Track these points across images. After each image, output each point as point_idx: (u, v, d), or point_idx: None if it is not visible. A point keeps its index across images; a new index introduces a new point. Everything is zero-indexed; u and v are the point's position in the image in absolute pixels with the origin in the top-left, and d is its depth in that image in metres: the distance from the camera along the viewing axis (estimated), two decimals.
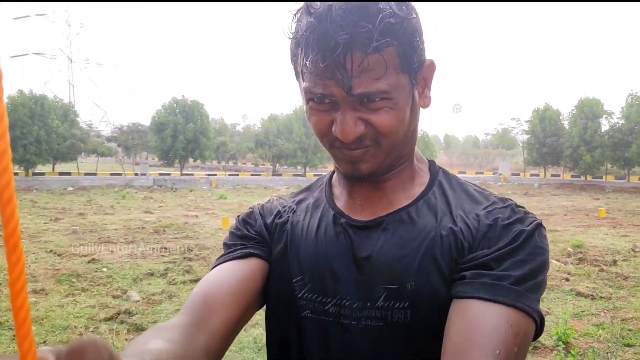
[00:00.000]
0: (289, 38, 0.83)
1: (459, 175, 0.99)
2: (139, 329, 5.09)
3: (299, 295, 0.90)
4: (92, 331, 5.01)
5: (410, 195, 0.92)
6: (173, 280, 6.85)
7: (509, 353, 0.70)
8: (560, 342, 4.65)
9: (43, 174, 25.95)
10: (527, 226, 0.82)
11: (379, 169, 0.87)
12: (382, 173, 0.90)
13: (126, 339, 4.83)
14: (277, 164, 34.27)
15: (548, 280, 4.85)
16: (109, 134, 31.81)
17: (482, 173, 34.55)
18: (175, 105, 30.32)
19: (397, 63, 0.79)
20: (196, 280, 6.71)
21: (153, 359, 0.66)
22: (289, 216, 0.99)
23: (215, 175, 29.64)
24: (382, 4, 0.75)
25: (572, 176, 28.55)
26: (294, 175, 31.42)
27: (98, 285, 6.62)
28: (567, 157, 27.34)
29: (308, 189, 1.07)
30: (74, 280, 6.84)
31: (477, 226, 0.84)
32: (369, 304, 0.84)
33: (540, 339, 4.96)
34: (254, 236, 0.98)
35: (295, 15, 0.81)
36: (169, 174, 27.56)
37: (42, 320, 5.28)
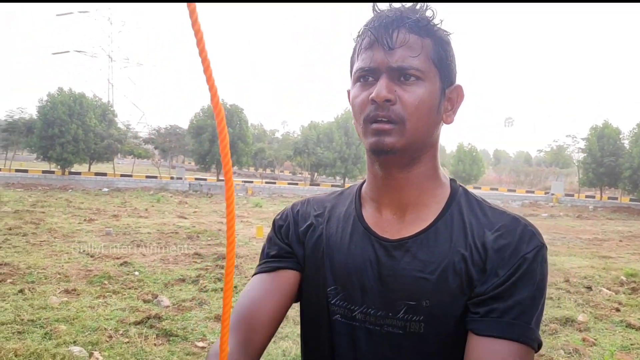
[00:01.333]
0: (354, 39, 1.06)
1: (506, 194, 1.11)
2: (168, 334, 5.22)
3: (332, 302, 1.09)
4: (122, 334, 5.16)
5: (431, 211, 1.08)
6: (204, 287, 7.00)
7: None
8: None
9: (79, 173, 26.66)
10: (533, 252, 0.97)
11: (402, 149, 1.01)
12: (403, 158, 1.04)
13: (155, 344, 4.97)
14: (316, 174, 34.40)
15: (597, 309, 4.78)
16: (146, 135, 32.50)
17: (532, 192, 33.72)
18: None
19: (431, 54, 1.00)
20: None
21: None
22: (322, 228, 1.16)
23: (251, 182, 29.94)
24: (429, 13, 1.01)
25: (630, 200, 27.70)
26: (332, 185, 31.46)
27: (129, 289, 6.81)
28: (625, 178, 26.52)
29: (341, 194, 1.24)
30: (106, 282, 7.05)
31: (484, 256, 0.99)
32: (390, 314, 1.03)
33: None
34: (286, 246, 1.16)
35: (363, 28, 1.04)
36: (204, 179, 27.96)
37: (73, 320, 5.46)
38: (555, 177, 39.35)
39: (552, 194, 30.00)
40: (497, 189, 35.75)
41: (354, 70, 1.05)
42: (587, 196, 30.61)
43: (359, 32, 1.04)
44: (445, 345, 1.00)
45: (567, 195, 30.80)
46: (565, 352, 5.22)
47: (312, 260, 1.13)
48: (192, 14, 0.57)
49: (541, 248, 0.98)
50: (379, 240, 1.07)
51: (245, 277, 7.51)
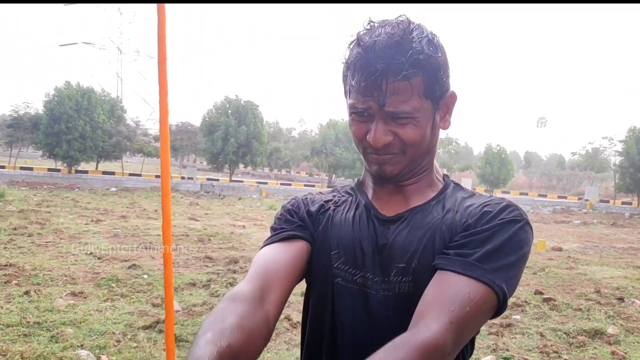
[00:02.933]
0: (342, 63, 1.17)
1: (537, 199, 1.23)
2: (178, 340, 5.33)
3: (334, 265, 1.22)
4: (130, 339, 5.29)
5: (426, 197, 1.24)
6: (216, 292, 7.12)
7: (461, 311, 0.98)
8: None
9: (86, 172, 27.02)
10: (510, 219, 1.10)
11: (401, 173, 1.19)
12: (404, 178, 1.22)
13: (164, 349, 5.08)
14: (334, 175, 34.46)
15: (628, 321, 4.80)
16: (156, 132, 32.72)
17: (565, 197, 33.57)
18: (227, 105, 30.90)
19: (422, 90, 1.11)
20: None
21: (225, 344, 0.90)
22: (331, 208, 1.31)
23: (266, 183, 30.12)
24: (415, 43, 1.08)
25: None
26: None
27: (138, 292, 6.95)
28: None
29: (335, 190, 1.41)
30: (114, 285, 7.20)
31: (468, 214, 1.14)
32: (385, 278, 1.16)
33: None
34: (298, 221, 1.29)
35: (349, 45, 1.14)
36: (217, 180, 28.20)
37: (80, 323, 5.60)
38: (590, 181, 39.00)
39: (586, 200, 29.88)
40: (527, 194, 35.74)
41: (347, 104, 1.18)
42: (623, 202, 30.35)
43: (347, 60, 1.14)
44: None
45: (601, 201, 30.62)
46: None
47: (320, 229, 1.27)
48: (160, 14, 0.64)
49: (522, 219, 1.10)
50: (378, 215, 1.23)
51: None
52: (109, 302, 6.47)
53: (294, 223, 1.28)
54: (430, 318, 0.97)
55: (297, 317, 6.06)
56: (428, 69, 1.10)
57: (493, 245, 1.06)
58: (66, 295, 6.62)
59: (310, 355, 1.29)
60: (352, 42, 1.13)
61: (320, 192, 1.40)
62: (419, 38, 1.08)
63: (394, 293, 1.15)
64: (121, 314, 6.03)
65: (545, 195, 35.27)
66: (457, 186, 1.28)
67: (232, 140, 29.23)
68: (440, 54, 1.12)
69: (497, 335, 5.99)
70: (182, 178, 27.68)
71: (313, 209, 1.31)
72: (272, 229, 1.31)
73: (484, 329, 5.96)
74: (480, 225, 1.10)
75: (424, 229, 1.16)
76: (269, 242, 1.26)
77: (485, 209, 1.13)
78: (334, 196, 1.36)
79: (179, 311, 6.22)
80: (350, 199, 1.32)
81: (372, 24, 1.13)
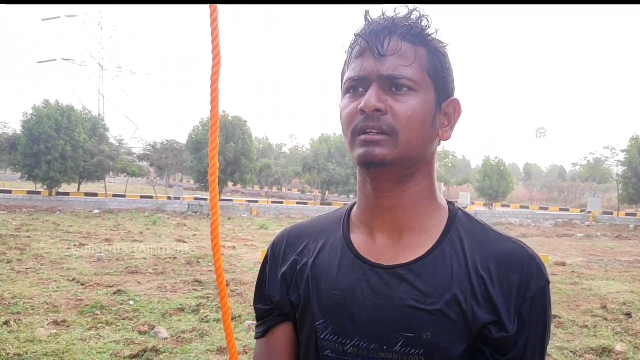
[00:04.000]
0: (345, 51, 1.10)
1: (538, 212, 1.19)
2: None
3: (321, 336, 1.10)
4: None
5: (429, 237, 1.09)
6: (205, 317, 7.07)
7: None
8: None
9: (67, 193, 26.90)
10: (537, 292, 1.02)
11: (393, 161, 1.03)
12: (396, 173, 1.07)
13: None
14: (327, 192, 34.47)
15: (636, 338, 4.79)
16: (140, 151, 32.71)
17: (567, 210, 33.57)
18: None
19: (425, 64, 1.04)
20: (230, 319, 6.89)
21: None
22: (307, 260, 1.18)
23: (256, 202, 30.06)
24: (426, 26, 1.04)
25: None
26: (344, 204, 31.44)
27: (123, 319, 6.90)
28: None
29: (326, 217, 1.28)
30: (98, 312, 7.15)
31: (488, 288, 1.02)
32: (385, 346, 1.04)
33: None
34: (269, 305, 1.22)
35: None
36: (205, 199, 28.12)
37: (63, 354, 5.56)
38: (592, 193, 39.10)
39: (589, 212, 29.78)
40: (527, 207, 35.83)
41: (343, 80, 1.09)
42: (627, 214, 30.32)
43: (350, 43, 1.08)
44: None
45: (605, 212, 30.57)
46: None
47: (302, 297, 1.15)
48: (212, 15, 0.63)
49: (547, 284, 1.03)
50: (372, 266, 1.08)
51: (250, 306, 7.57)
52: (93, 330, 6.42)
53: (266, 304, 1.22)
54: None
55: None
56: (434, 50, 1.05)
57: (532, 337, 1.02)
58: (48, 324, 6.57)
59: None
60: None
61: (299, 227, 1.28)
62: (428, 22, 1.04)
63: None
64: (106, 342, 5.98)
65: (546, 208, 35.32)
66: (467, 218, 1.13)
67: (220, 157, 29.13)
68: (447, 57, 1.08)
69: None
70: (168, 198, 27.62)
71: (284, 268, 1.20)
72: (255, 309, 1.27)
73: None
74: (509, 304, 1.01)
75: (435, 293, 1.03)
76: (256, 336, 1.25)
77: (508, 275, 1.03)
78: (313, 235, 1.23)
79: (166, 338, 6.17)
80: (332, 237, 1.19)
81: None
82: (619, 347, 6.23)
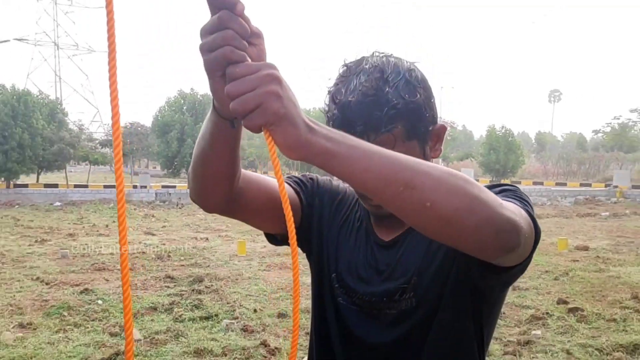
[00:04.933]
0: (322, 112, 1.31)
1: (555, 189, 1.33)
2: None
3: (335, 285, 1.44)
4: None
5: None
6: (180, 316, 7.11)
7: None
8: None
9: (26, 185, 26.55)
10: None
11: None
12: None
13: None
14: (308, 172, 34.33)
15: None
16: (102, 137, 32.40)
17: (589, 185, 29.92)
18: (182, 101, 30.57)
19: (405, 135, 1.22)
20: (207, 318, 6.97)
21: None
22: (342, 224, 1.49)
23: None
24: (391, 94, 1.18)
25: None
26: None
27: (92, 320, 6.93)
28: None
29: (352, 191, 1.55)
30: (65, 313, 7.16)
31: None
32: (385, 299, 1.35)
33: None
34: (310, 195, 1.51)
35: (326, 97, 1.29)
36: (174, 187, 27.92)
37: (31, 359, 5.59)
38: (619, 164, 36.21)
39: (615, 187, 27.09)
40: (542, 183, 32.12)
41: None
42: None
43: (326, 113, 1.28)
44: (435, 312, 1.30)
45: (634, 187, 27.39)
46: None
47: (324, 249, 1.48)
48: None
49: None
50: (377, 241, 1.40)
51: (228, 304, 7.60)
52: (62, 333, 6.45)
53: (300, 188, 1.49)
54: None
55: (275, 342, 6.10)
56: (408, 115, 1.20)
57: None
58: (13, 327, 6.58)
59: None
60: (329, 91, 1.27)
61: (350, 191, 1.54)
62: (394, 84, 1.18)
63: (399, 311, 1.33)
64: (76, 346, 6.01)
65: (564, 184, 31.53)
66: None
67: (189, 140, 28.95)
68: (419, 95, 1.22)
69: (515, 355, 5.77)
70: (134, 187, 27.37)
71: (326, 199, 1.52)
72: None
73: (498, 347, 5.93)
74: None
75: (422, 247, 1.32)
76: None
77: None
78: (349, 207, 1.51)
79: (139, 340, 6.20)
80: (357, 215, 1.48)
81: (347, 68, 1.25)
82: None
